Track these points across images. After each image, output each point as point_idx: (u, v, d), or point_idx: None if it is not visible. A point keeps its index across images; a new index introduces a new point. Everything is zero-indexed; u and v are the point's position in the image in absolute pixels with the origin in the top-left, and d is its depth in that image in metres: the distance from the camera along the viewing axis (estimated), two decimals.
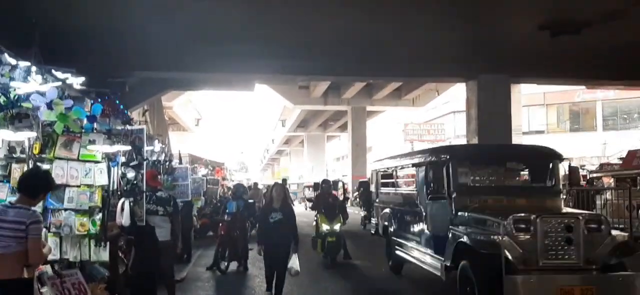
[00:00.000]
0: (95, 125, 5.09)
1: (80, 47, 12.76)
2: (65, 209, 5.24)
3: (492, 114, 17.84)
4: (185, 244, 9.98)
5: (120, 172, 5.44)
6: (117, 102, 5.33)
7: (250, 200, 12.71)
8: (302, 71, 18.22)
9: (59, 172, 5.09)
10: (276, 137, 68.48)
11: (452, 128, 48.43)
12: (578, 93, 42.19)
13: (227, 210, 11.09)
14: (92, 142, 5.15)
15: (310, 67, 17.64)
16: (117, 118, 5.26)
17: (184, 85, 21.33)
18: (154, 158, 10.21)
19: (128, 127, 5.44)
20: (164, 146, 12.44)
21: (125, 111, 5.35)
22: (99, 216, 5.20)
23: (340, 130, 54.44)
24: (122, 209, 5.24)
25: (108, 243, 5.22)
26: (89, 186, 5.27)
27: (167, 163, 10.85)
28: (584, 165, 33.61)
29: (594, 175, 18.86)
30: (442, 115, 52.20)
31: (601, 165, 22.05)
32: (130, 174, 5.48)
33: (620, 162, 19.17)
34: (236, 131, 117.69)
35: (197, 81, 19.98)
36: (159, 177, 7.78)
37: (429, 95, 37.77)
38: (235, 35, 14.84)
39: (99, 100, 5.13)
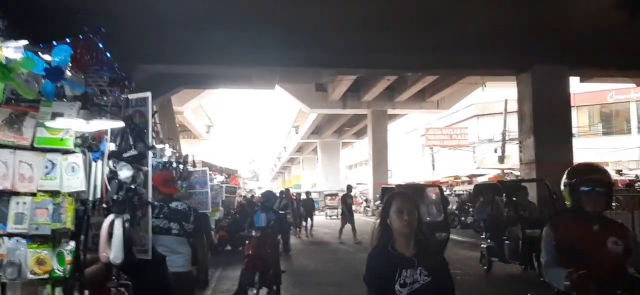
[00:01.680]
0: (62, 86, 2.90)
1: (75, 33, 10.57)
2: (9, 235, 3.03)
3: (550, 110, 15.59)
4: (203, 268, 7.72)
5: (107, 169, 3.10)
6: (100, 46, 3.02)
7: (282, 212, 10.51)
8: (329, 63, 15.99)
9: None
10: (288, 145, 66.28)
11: (476, 133, 46.19)
12: (611, 93, 39.87)
13: (255, 224, 8.85)
14: (58, 116, 2.93)
15: (340, 58, 15.41)
16: (100, 72, 2.99)
17: (198, 83, 19.19)
18: (164, 160, 8.03)
19: (122, 96, 3.19)
20: (175, 152, 10.28)
21: (115, 64, 3.10)
22: (70, 247, 2.94)
23: (356, 136, 52.15)
24: (111, 234, 2.94)
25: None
26: (53, 194, 3.07)
27: (182, 166, 8.63)
28: (621, 170, 31.33)
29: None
30: (464, 119, 50.00)
31: None
32: (125, 173, 3.09)
33: None
34: (247, 139, 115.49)
35: (213, 78, 17.85)
36: (174, 181, 5.54)
37: (455, 96, 35.46)
38: (254, 19, 12.68)
39: (67, 41, 2.87)
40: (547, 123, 15.49)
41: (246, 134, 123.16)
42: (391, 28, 14.10)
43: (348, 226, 18.89)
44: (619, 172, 29.28)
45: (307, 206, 21.21)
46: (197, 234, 5.26)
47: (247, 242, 9.01)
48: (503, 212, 11.97)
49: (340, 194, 42.92)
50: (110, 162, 3.09)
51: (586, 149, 29.19)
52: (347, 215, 18.76)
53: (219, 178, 15.41)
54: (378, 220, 3.21)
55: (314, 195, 42.02)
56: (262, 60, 15.03)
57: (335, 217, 38.58)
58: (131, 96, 3.41)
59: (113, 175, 3.09)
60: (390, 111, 36.59)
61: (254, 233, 8.80)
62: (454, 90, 32.81)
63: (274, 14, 12.80)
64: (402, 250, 3.08)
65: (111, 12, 10.73)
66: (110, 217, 2.97)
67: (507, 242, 10.99)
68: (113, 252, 2.96)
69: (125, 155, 3.19)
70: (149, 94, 3.54)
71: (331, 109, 36.36)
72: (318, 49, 14.60)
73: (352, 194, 22.05)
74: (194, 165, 11.82)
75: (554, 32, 14.14)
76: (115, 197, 3.04)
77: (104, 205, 3.06)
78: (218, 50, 13.96)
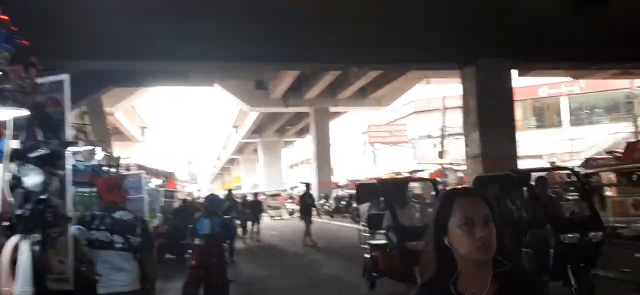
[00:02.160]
0: None
1: None
2: None
3: (494, 104, 15.51)
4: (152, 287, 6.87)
5: (8, 174, 2.26)
6: None
7: (227, 216, 9.75)
8: (272, 57, 15.25)
9: None
10: (228, 145, 64.90)
11: (416, 129, 46.60)
12: (542, 88, 41.17)
13: (198, 232, 8.07)
14: None
15: (283, 52, 14.73)
16: None
17: (131, 81, 18.02)
18: (93, 163, 7.14)
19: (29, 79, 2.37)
20: (108, 154, 9.35)
21: (16, 35, 2.32)
22: None
23: (298, 135, 51.61)
24: (15, 261, 2.14)
25: None
26: None
27: (114, 169, 7.73)
28: (554, 162, 32.26)
29: (590, 170, 16.92)
30: (404, 116, 50.40)
31: (587, 160, 20.49)
32: (33, 180, 2.30)
33: (615, 155, 17.60)
34: (184, 140, 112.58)
35: (147, 75, 16.75)
36: (120, 187, 4.75)
37: (396, 93, 35.52)
38: (192, 10, 11.83)
39: None
40: (492, 117, 15.39)
41: (184, 135, 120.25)
42: (335, 21, 13.62)
43: (299, 225, 18.25)
44: (551, 164, 30.10)
45: (254, 208, 20.32)
46: (145, 247, 4.52)
47: (189, 251, 8.22)
48: (513, 211, 8.81)
49: (295, 193, 42.32)
50: (13, 166, 2.31)
51: (522, 142, 29.86)
52: (306, 216, 18.08)
53: (155, 181, 14.42)
54: (430, 239, 1.89)
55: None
56: (200, 55, 14.16)
57: (278, 218, 37.90)
58: (42, 79, 2.63)
59: (17, 182, 2.32)
60: (332, 109, 36.24)
61: (197, 241, 8.03)
62: (395, 87, 32.83)
63: (213, 4, 12.00)
64: (473, 290, 1.81)
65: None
66: (14, 239, 2.20)
67: (526, 250, 7.93)
68: (19, 284, 2.21)
69: (32, 155, 2.41)
70: (65, 77, 2.79)
71: (272, 107, 35.64)
72: (260, 42, 13.87)
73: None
74: (127, 169, 10.89)
75: (498, 25, 14.03)
76: (20, 212, 2.26)
77: (5, 223, 2.27)
78: (151, 44, 12.96)
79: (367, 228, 9.80)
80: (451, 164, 34.65)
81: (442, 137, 36.84)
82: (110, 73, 15.60)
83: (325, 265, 13.54)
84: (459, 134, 41.82)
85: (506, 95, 15.76)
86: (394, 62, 17.46)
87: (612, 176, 15.92)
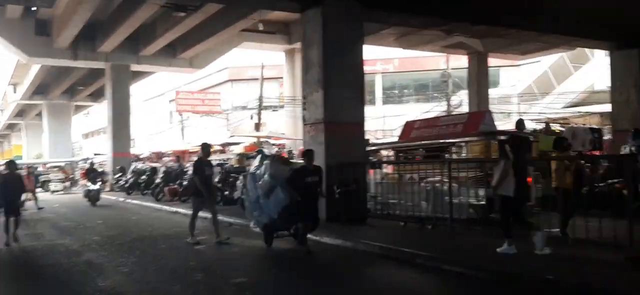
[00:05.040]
0: None
1: None
2: None
3: (342, 59, 12.73)
4: None
5: None
6: None
7: None
8: None
9: None
10: (5, 107, 54.48)
11: (230, 99, 43.25)
12: None
13: None
14: None
15: None
16: None
17: None
18: None
19: None
20: None
21: None
22: None
23: (93, 99, 44.56)
24: None
25: None
26: None
27: None
28: (368, 139, 31.58)
29: (373, 148, 16.71)
30: (217, 84, 46.72)
31: None
32: None
33: None
34: None
35: None
36: None
37: (209, 55, 31.42)
38: None
39: None
40: (339, 74, 12.65)
41: None
42: None
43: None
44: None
45: (10, 186, 11.51)
46: None
47: None
48: None
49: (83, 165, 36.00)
50: None
51: None
52: (206, 193, 10.94)
53: None
54: None
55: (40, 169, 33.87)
56: None
57: (61, 192, 31.71)
58: None
59: None
60: (134, 67, 30.81)
61: None
62: (208, 47, 28.72)
63: None
64: None
65: None
66: None
67: None
68: None
69: None
70: None
71: (58, 59, 28.95)
72: None
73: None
74: None
75: None
76: None
77: None
78: None
79: None
80: (268, 137, 32.02)
81: (260, 108, 34.18)
82: None
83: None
84: (277, 106, 39.84)
85: (356, 50, 13.06)
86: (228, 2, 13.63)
87: (391, 153, 15.66)
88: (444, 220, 10.61)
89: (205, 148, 11.61)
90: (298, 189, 9.28)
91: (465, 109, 28.19)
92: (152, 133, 49.95)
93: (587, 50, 32.30)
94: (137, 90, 40.88)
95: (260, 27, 21.11)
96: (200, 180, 10.83)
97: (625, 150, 13.56)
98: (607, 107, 27.98)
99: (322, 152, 12.07)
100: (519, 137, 9.93)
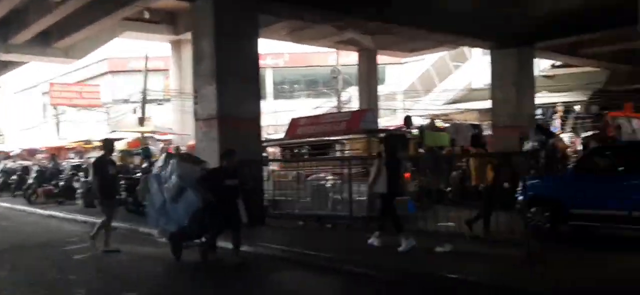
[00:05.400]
0: None
1: None
2: None
3: (237, 49, 12.16)
4: None
5: None
6: None
7: None
8: None
9: None
10: None
11: (110, 91, 40.74)
12: None
13: None
14: None
15: None
16: None
17: None
18: None
19: None
20: None
21: None
22: None
23: None
24: None
25: None
26: None
27: None
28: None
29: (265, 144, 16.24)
30: (96, 75, 43.85)
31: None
32: None
33: None
34: None
35: None
36: None
37: (88, 44, 29.13)
38: None
39: None
40: (234, 66, 12.05)
41: None
42: None
43: None
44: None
45: None
46: None
47: None
48: None
49: None
50: None
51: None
52: (103, 197, 10.00)
53: None
54: None
55: None
56: None
57: None
58: None
59: None
60: (3, 57, 27.84)
61: None
62: (87, 35, 26.56)
63: None
64: None
65: None
66: None
67: None
68: None
69: None
70: None
71: None
72: None
73: None
74: None
75: None
76: None
77: None
78: None
79: None
80: (154, 132, 30.52)
81: (144, 102, 32.37)
82: None
83: None
84: (162, 100, 38.04)
85: (252, 39, 12.53)
86: None
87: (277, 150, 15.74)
88: (343, 218, 10.47)
89: (108, 144, 10.48)
90: (216, 192, 8.32)
91: (355, 105, 28.61)
92: (24, 128, 45.85)
93: (466, 50, 34.20)
94: (6, 82, 37.22)
95: (147, 14, 19.81)
96: (101, 181, 9.63)
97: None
98: (485, 104, 29.88)
99: (216, 149, 11.43)
100: (392, 135, 10.05)
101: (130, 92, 36.60)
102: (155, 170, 9.48)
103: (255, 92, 12.58)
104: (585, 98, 28.67)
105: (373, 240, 8.80)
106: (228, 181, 8.38)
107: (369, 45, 22.88)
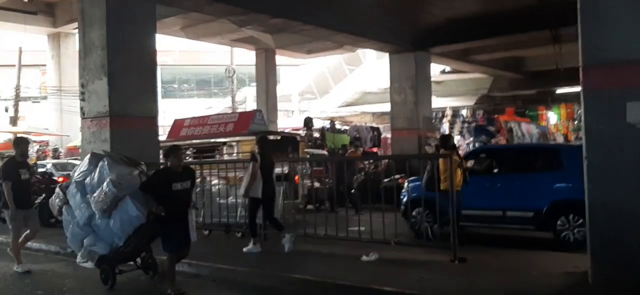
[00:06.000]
0: None
1: None
2: None
3: (130, 39, 11.05)
4: None
5: None
6: None
7: None
8: None
9: None
10: None
11: None
12: None
13: None
14: None
15: None
16: None
17: None
18: None
19: None
20: None
21: None
22: None
23: None
24: None
25: None
26: None
27: None
28: None
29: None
30: None
31: None
32: None
33: None
34: None
35: None
36: None
37: None
38: None
39: None
40: (129, 60, 10.93)
41: None
42: None
43: None
44: None
45: None
46: None
47: None
48: None
49: None
50: None
51: None
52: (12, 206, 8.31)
53: None
54: None
55: None
56: None
57: None
58: None
59: None
60: None
61: None
62: None
63: None
64: None
65: None
66: None
67: None
68: None
69: None
70: None
71: None
72: None
73: None
74: None
75: None
76: None
77: None
78: None
79: None
80: (28, 132, 27.80)
81: (17, 99, 29.46)
82: None
83: None
84: (38, 97, 34.84)
85: (149, 31, 11.45)
86: None
87: None
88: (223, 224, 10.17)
89: (21, 144, 8.68)
90: (162, 199, 6.54)
91: (252, 105, 27.87)
92: None
93: (360, 54, 34.72)
94: None
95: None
96: (11, 188, 8.00)
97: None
98: (379, 107, 30.43)
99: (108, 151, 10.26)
100: (266, 138, 9.67)
101: (0, 88, 33.35)
102: (76, 176, 7.54)
103: (152, 88, 11.51)
104: (471, 103, 30.09)
105: (251, 248, 8.56)
106: (177, 185, 6.56)
107: (269, 44, 22.27)
